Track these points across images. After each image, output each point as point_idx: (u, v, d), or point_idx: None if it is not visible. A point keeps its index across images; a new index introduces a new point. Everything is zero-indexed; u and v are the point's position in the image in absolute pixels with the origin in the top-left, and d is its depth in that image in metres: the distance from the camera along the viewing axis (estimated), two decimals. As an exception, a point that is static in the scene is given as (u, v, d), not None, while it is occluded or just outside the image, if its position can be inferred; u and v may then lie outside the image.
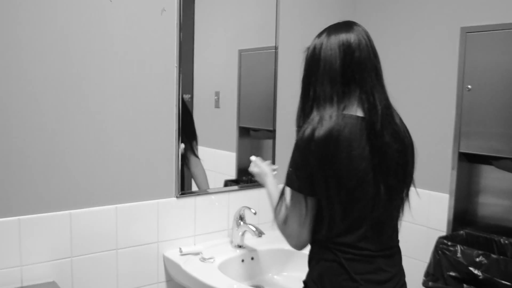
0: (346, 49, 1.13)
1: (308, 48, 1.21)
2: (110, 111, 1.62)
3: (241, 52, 2.02)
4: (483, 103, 1.86)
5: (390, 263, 1.19)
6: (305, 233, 1.17)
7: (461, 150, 1.93)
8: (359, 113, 1.13)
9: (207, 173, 1.94)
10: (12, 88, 1.43)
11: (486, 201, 1.93)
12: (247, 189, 2.04)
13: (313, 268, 1.22)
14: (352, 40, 1.13)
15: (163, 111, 1.75)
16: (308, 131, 1.11)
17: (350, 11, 2.34)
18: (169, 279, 1.81)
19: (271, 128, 2.12)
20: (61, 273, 1.56)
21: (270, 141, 2.12)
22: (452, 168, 1.96)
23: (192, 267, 1.67)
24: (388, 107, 1.17)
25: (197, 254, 1.77)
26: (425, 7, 2.06)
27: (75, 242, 1.57)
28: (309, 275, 1.24)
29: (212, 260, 1.74)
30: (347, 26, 1.17)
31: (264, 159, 2.13)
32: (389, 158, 1.13)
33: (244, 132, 2.08)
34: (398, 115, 1.20)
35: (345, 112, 1.12)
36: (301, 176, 1.13)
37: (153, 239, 1.76)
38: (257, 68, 2.09)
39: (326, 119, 1.10)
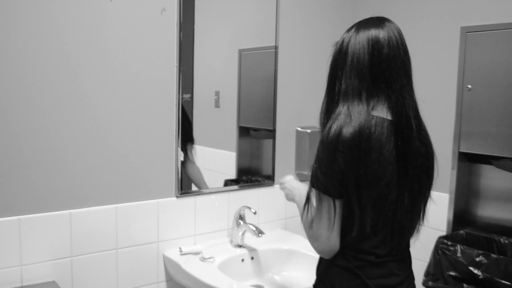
0: (375, 44, 1.09)
1: (336, 43, 1.17)
2: (110, 111, 1.62)
3: (241, 52, 2.02)
4: (483, 103, 1.86)
5: (401, 266, 1.18)
6: (334, 238, 1.10)
7: (461, 150, 1.93)
8: (388, 115, 1.10)
9: (207, 173, 1.94)
10: (11, 88, 1.43)
11: (486, 201, 1.93)
12: (247, 188, 2.04)
13: (324, 273, 1.19)
14: (381, 36, 1.09)
15: (163, 110, 1.75)
16: (335, 128, 1.06)
17: (350, 11, 2.34)
18: (169, 279, 1.81)
19: (271, 128, 2.12)
20: (61, 273, 1.56)
21: (270, 141, 2.12)
22: (452, 168, 1.96)
23: (192, 267, 1.67)
24: (416, 110, 1.14)
25: (197, 253, 1.77)
26: (425, 7, 2.06)
27: (75, 242, 1.58)
28: (319, 280, 1.22)
29: (212, 259, 1.74)
30: (378, 21, 1.14)
31: (264, 159, 2.14)
32: (414, 163, 1.10)
33: (244, 131, 2.08)
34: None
35: (374, 112, 1.08)
36: (327, 176, 1.07)
37: (153, 239, 1.76)
38: (257, 68, 2.09)
39: (355, 115, 1.05)
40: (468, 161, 1.97)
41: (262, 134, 2.13)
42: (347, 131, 1.04)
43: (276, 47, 2.08)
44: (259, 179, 2.11)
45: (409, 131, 1.09)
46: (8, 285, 1.45)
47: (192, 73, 1.84)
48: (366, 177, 1.05)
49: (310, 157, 2.15)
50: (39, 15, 1.45)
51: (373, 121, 1.06)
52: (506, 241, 1.80)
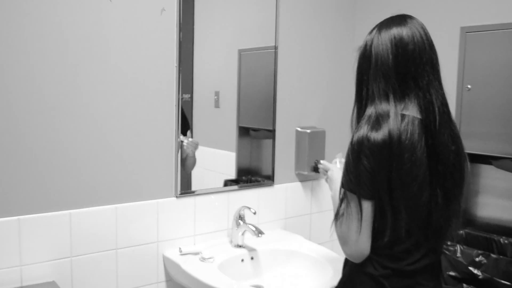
0: (398, 42, 1.08)
1: (360, 47, 1.16)
2: (109, 111, 1.62)
3: (241, 52, 2.02)
4: (483, 103, 1.86)
5: (429, 276, 1.14)
6: (364, 241, 1.08)
7: (461, 150, 1.93)
8: (417, 113, 1.08)
9: (207, 173, 1.94)
10: (11, 88, 1.43)
11: (485, 201, 1.94)
12: (246, 189, 2.04)
13: (348, 277, 1.17)
14: (404, 33, 1.08)
15: (162, 110, 1.75)
16: (362, 132, 1.05)
17: (350, 11, 2.34)
18: (169, 279, 1.81)
19: (271, 128, 2.12)
20: (61, 273, 1.56)
21: (269, 141, 2.12)
22: (452, 168, 1.96)
23: (192, 267, 1.67)
24: (445, 105, 1.12)
25: (196, 254, 1.77)
26: (425, 7, 2.06)
27: (75, 242, 1.58)
28: (342, 283, 1.20)
29: (211, 260, 1.74)
30: (399, 19, 1.13)
31: (264, 159, 2.14)
32: (445, 160, 1.08)
33: (244, 131, 2.08)
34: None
35: (404, 111, 1.06)
36: (355, 177, 1.06)
37: (152, 239, 1.76)
38: (257, 68, 2.09)
39: (383, 118, 1.04)
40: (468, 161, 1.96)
41: (262, 134, 2.13)
42: (377, 134, 1.03)
43: (276, 47, 2.08)
44: (259, 179, 2.11)
45: (438, 127, 1.07)
46: (8, 285, 1.45)
47: (192, 73, 1.84)
48: (399, 179, 1.03)
49: (310, 157, 2.15)
50: (39, 15, 1.45)
51: (404, 122, 1.04)
52: (505, 241, 1.80)
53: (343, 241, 1.11)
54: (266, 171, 2.13)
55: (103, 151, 1.62)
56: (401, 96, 1.08)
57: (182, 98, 1.79)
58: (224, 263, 1.75)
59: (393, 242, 1.08)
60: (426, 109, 1.07)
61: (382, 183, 1.04)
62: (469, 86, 1.90)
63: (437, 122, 1.07)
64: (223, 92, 1.99)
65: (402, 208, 1.05)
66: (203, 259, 1.73)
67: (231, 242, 1.92)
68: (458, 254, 1.72)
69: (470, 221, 1.97)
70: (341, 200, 1.11)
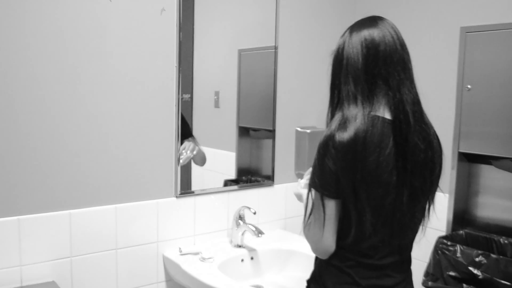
0: (369, 44, 1.09)
1: (333, 51, 1.18)
2: (109, 111, 1.62)
3: (241, 52, 2.02)
4: (482, 103, 1.86)
5: (398, 269, 1.17)
6: (328, 238, 1.11)
7: (461, 150, 1.93)
8: (387, 113, 1.09)
9: (207, 173, 1.94)
10: (11, 89, 1.43)
11: (485, 201, 1.93)
12: (246, 189, 2.04)
13: (317, 270, 1.21)
14: (375, 35, 1.10)
15: (162, 110, 1.75)
16: (327, 134, 1.07)
17: (350, 11, 2.34)
18: (169, 279, 1.81)
19: (271, 128, 2.12)
20: (61, 273, 1.56)
21: (269, 141, 2.12)
22: (452, 168, 1.96)
23: (192, 267, 1.67)
24: (417, 103, 1.13)
25: (196, 254, 1.77)
26: (425, 7, 2.06)
27: (74, 242, 1.57)
28: (312, 277, 1.23)
29: (211, 260, 1.74)
30: (370, 21, 1.14)
31: (264, 159, 2.14)
32: (415, 158, 1.09)
33: (243, 132, 2.08)
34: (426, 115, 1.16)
35: (373, 113, 1.07)
36: (319, 178, 1.09)
37: (152, 239, 1.76)
38: (257, 68, 2.09)
39: (350, 120, 1.06)
40: (468, 161, 1.97)
41: (262, 134, 2.13)
42: (341, 136, 1.05)
43: (275, 47, 2.08)
44: (259, 179, 2.11)
45: (407, 127, 1.08)
46: (7, 285, 1.45)
47: (191, 73, 1.84)
48: (363, 180, 1.05)
49: (310, 157, 2.15)
50: (38, 15, 1.45)
51: (371, 123, 1.06)
52: (505, 241, 1.80)
53: (310, 238, 1.15)
54: (266, 171, 2.13)
55: (103, 151, 1.62)
56: (370, 98, 1.09)
57: (182, 98, 1.79)
58: (224, 263, 1.75)
59: (359, 240, 1.11)
60: (396, 109, 1.09)
61: (347, 183, 1.06)
62: (469, 86, 1.90)
63: (407, 122, 1.09)
64: (223, 92, 1.99)
65: (367, 208, 1.07)
66: (203, 259, 1.73)
67: (231, 242, 1.92)
68: (458, 254, 1.72)
69: (470, 221, 1.97)
70: (310, 200, 1.15)
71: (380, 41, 1.09)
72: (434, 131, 1.18)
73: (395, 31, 1.13)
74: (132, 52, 1.65)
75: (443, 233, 1.97)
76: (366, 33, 1.11)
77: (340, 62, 1.13)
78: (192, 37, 1.83)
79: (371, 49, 1.09)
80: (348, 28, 1.16)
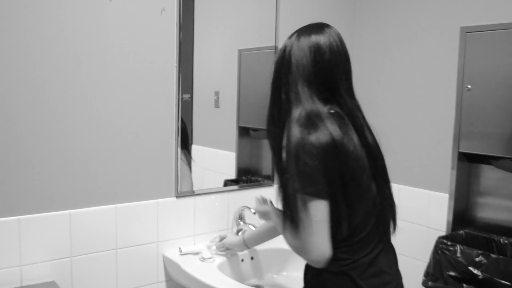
0: (316, 51, 1.11)
1: (279, 50, 1.19)
2: (109, 111, 1.62)
3: (241, 52, 2.02)
4: (483, 103, 1.86)
5: (389, 263, 1.20)
6: (326, 242, 1.06)
7: (461, 150, 1.93)
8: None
9: (207, 173, 1.94)
10: (11, 88, 1.43)
11: (485, 201, 1.93)
12: (246, 188, 2.04)
13: (314, 281, 1.17)
14: (322, 42, 1.12)
15: (162, 110, 1.75)
16: (298, 134, 1.06)
17: (350, 11, 2.34)
18: (169, 279, 1.81)
19: (271, 128, 2.11)
20: (61, 273, 1.56)
21: (270, 141, 2.12)
22: (452, 168, 1.96)
23: (192, 267, 1.67)
24: (360, 111, 1.19)
25: (196, 254, 1.77)
26: (425, 7, 2.06)
27: (74, 242, 1.57)
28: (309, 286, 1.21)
29: (211, 260, 1.74)
30: (317, 28, 1.15)
31: (264, 159, 2.14)
32: (377, 157, 1.16)
33: (244, 131, 2.08)
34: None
35: (332, 111, 1.12)
36: (305, 182, 1.05)
37: (152, 239, 1.76)
38: (257, 68, 2.09)
39: (317, 117, 1.08)
40: (468, 161, 1.97)
41: (262, 134, 2.13)
42: (317, 134, 1.05)
43: (276, 47, 2.08)
44: (259, 179, 2.11)
45: (361, 127, 1.15)
46: (7, 285, 1.45)
47: (192, 73, 1.84)
48: (350, 173, 1.08)
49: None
50: (38, 15, 1.45)
51: (336, 119, 1.09)
52: (505, 241, 1.80)
53: (304, 249, 1.08)
54: (266, 171, 2.13)
55: (103, 151, 1.62)
56: (325, 100, 1.12)
57: (182, 98, 1.79)
58: (224, 263, 1.75)
59: (351, 236, 1.12)
60: (350, 114, 1.14)
61: (336, 179, 1.06)
62: (469, 86, 1.90)
63: (362, 126, 1.15)
64: (223, 92, 1.99)
65: (357, 200, 1.10)
66: (203, 259, 1.73)
67: (231, 242, 1.92)
68: (458, 254, 1.72)
69: (470, 221, 1.97)
70: (296, 208, 1.09)
71: (326, 49, 1.11)
72: (375, 136, 1.22)
73: (340, 41, 1.15)
74: (132, 52, 1.65)
75: (443, 233, 1.97)
76: (314, 39, 1.13)
77: (288, 64, 1.14)
78: (192, 37, 1.83)
79: (318, 55, 1.11)
80: (296, 32, 1.18)
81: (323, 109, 1.10)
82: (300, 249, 1.10)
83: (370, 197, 1.13)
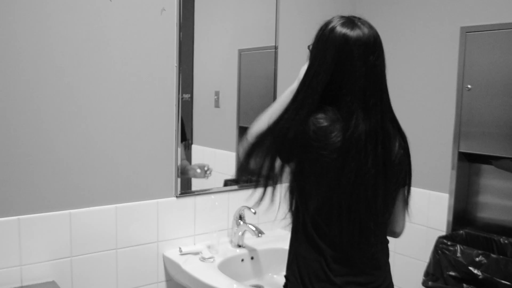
0: (344, 40, 1.09)
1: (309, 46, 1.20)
2: (109, 111, 1.62)
3: (241, 52, 2.02)
4: (482, 103, 1.86)
5: (371, 264, 1.16)
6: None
7: (461, 150, 1.93)
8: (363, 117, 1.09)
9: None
10: (11, 88, 1.43)
11: (485, 201, 1.94)
12: (246, 188, 2.04)
13: (293, 264, 1.19)
14: (349, 34, 1.09)
15: (162, 110, 1.75)
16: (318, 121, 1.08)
17: (349, 11, 2.34)
18: (169, 279, 1.81)
19: (271, 128, 2.11)
20: (61, 273, 1.56)
21: (270, 141, 2.12)
22: (452, 168, 1.96)
23: (192, 267, 1.67)
24: (389, 106, 1.14)
25: (196, 253, 1.77)
26: (425, 7, 2.06)
27: (74, 242, 1.58)
28: (290, 270, 1.21)
29: (212, 259, 1.74)
30: (349, 22, 1.14)
31: (264, 159, 2.14)
32: (390, 165, 1.11)
33: (244, 131, 2.07)
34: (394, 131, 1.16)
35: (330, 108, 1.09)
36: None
37: (153, 239, 1.76)
38: (257, 67, 2.09)
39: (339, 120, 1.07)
40: (468, 161, 1.97)
41: (262, 134, 2.12)
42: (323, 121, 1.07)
43: (276, 47, 2.08)
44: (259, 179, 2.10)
45: (384, 130, 1.12)
46: (8, 285, 1.45)
47: (192, 73, 1.84)
48: (310, 162, 1.08)
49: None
50: (38, 15, 1.45)
51: (353, 125, 1.06)
52: (505, 241, 1.80)
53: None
54: (266, 171, 2.13)
55: (103, 151, 1.62)
56: (334, 97, 1.11)
57: (182, 98, 1.79)
58: (224, 263, 1.75)
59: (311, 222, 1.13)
60: (363, 110, 1.09)
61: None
62: (469, 86, 1.90)
63: (384, 125, 1.11)
64: (223, 92, 1.99)
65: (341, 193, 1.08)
66: (203, 259, 1.73)
67: (231, 242, 1.92)
68: (458, 254, 1.72)
69: (470, 221, 1.97)
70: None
71: (353, 42, 1.09)
72: (405, 140, 1.19)
73: (373, 35, 1.12)
74: (132, 52, 1.65)
75: (443, 233, 1.97)
76: (343, 30, 1.11)
77: (313, 55, 1.17)
78: (192, 37, 1.83)
79: (344, 45, 1.09)
80: (326, 23, 1.17)
81: (323, 103, 1.09)
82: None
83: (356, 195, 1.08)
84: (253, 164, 1.16)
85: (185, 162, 1.86)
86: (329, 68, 1.11)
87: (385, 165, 1.10)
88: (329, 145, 1.06)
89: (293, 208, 1.18)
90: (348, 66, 1.09)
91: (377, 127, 1.08)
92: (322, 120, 1.08)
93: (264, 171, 1.14)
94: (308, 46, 1.21)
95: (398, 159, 1.15)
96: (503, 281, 1.60)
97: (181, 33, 1.76)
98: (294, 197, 1.17)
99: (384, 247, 1.22)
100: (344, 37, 1.09)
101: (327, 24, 1.15)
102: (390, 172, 1.12)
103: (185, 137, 1.86)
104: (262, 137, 1.15)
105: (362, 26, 1.12)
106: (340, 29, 1.11)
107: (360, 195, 1.08)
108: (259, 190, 1.17)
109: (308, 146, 1.07)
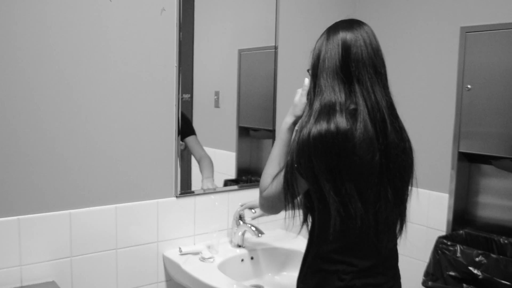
0: (343, 45, 1.14)
1: (312, 51, 1.24)
2: (109, 111, 1.62)
3: (241, 52, 2.02)
4: (482, 103, 1.86)
5: (387, 265, 1.20)
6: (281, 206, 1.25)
7: (461, 150, 1.93)
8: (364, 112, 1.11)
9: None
10: (11, 88, 1.43)
11: (485, 201, 1.94)
12: (246, 188, 2.04)
13: (308, 278, 1.21)
14: (348, 38, 1.14)
15: (162, 110, 1.75)
16: (311, 125, 1.10)
17: (350, 11, 2.34)
18: (169, 279, 1.81)
19: (271, 128, 2.12)
20: (61, 273, 1.56)
21: (269, 141, 2.12)
22: (452, 168, 1.96)
23: (192, 267, 1.67)
24: (391, 107, 1.16)
25: (196, 253, 1.77)
26: (425, 7, 2.06)
27: (74, 242, 1.58)
28: (303, 284, 1.23)
29: (211, 259, 1.74)
30: (346, 24, 1.18)
31: (264, 159, 2.14)
32: (394, 159, 1.12)
33: (243, 131, 2.08)
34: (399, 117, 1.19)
35: (352, 106, 1.10)
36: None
37: (152, 239, 1.76)
38: (257, 68, 2.09)
39: (330, 111, 1.09)
40: (468, 161, 1.97)
41: (262, 134, 2.13)
42: (320, 127, 1.07)
43: (276, 47, 2.08)
44: (259, 179, 2.10)
45: (384, 126, 1.11)
46: (8, 285, 1.45)
47: (191, 73, 1.84)
48: (347, 168, 1.07)
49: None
50: (38, 15, 1.45)
51: (353, 117, 1.08)
52: (505, 241, 1.80)
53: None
54: (266, 171, 2.13)
55: (103, 151, 1.62)
56: (348, 93, 1.13)
57: (182, 98, 1.79)
58: (224, 263, 1.75)
59: (344, 231, 1.12)
60: (373, 108, 1.11)
61: (323, 173, 1.09)
62: (469, 86, 1.90)
63: (384, 120, 1.12)
64: (223, 92, 1.99)
65: (352, 202, 1.09)
66: (203, 259, 1.73)
67: (231, 242, 1.92)
68: (458, 254, 1.72)
69: (470, 221, 1.97)
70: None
71: (352, 44, 1.14)
72: (407, 135, 1.20)
73: (369, 37, 1.17)
74: (132, 52, 1.65)
75: (443, 233, 1.97)
76: (341, 35, 1.16)
77: (317, 59, 1.20)
78: (192, 37, 1.83)
79: (345, 50, 1.14)
80: (325, 31, 1.21)
81: (341, 100, 1.10)
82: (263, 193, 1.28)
83: (367, 204, 1.10)
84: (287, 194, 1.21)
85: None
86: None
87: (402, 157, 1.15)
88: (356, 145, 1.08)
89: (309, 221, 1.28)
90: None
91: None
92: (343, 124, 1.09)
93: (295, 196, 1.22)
94: (308, 70, 1.27)
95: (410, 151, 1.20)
96: (503, 281, 1.61)
97: (181, 33, 1.76)
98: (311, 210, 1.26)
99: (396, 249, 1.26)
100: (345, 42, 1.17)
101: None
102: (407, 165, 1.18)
103: (193, 132, 1.87)
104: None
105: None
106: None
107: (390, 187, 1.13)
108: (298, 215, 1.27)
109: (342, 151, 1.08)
